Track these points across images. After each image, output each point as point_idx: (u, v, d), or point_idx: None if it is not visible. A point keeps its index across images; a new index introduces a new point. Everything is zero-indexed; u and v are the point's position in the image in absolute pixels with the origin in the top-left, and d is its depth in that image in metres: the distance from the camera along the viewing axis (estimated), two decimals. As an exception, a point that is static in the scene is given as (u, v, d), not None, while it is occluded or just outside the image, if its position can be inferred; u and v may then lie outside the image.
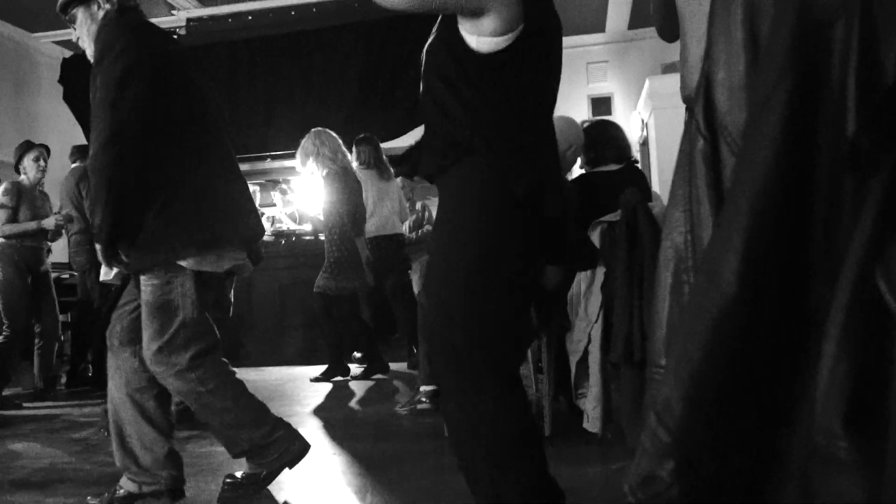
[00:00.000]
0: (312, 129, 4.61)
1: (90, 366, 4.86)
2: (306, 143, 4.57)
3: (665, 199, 2.46)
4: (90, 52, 2.12)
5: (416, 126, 6.84)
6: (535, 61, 1.52)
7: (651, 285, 2.29)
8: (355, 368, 4.98)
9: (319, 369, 4.77)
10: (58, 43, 7.45)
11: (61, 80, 7.26)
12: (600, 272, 2.50)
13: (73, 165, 4.81)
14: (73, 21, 2.20)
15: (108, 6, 2.14)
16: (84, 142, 4.76)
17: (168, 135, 2.03)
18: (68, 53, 7.38)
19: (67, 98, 7.21)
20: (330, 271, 4.47)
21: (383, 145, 7.56)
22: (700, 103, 0.92)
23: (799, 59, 0.62)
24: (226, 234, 2.09)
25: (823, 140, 0.61)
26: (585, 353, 2.54)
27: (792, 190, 0.62)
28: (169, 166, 2.02)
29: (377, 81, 6.62)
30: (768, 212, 0.62)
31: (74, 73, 7.22)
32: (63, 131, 7.05)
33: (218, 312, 3.21)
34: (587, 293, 2.55)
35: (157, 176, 2.00)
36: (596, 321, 2.49)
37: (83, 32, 2.16)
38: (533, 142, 1.48)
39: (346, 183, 4.49)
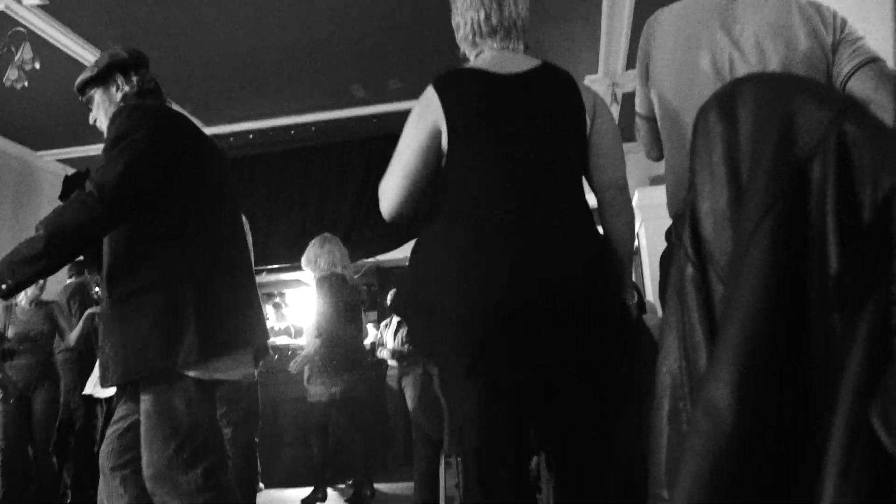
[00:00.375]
0: (318, 236, 4.68)
1: (69, 491, 4.69)
2: (308, 250, 4.63)
3: (659, 308, 2.48)
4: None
5: (404, 243, 6.96)
6: None
7: (649, 403, 2.27)
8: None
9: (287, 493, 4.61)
10: (61, 161, 7.65)
11: (62, 197, 7.40)
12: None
13: (68, 281, 4.85)
14: (90, 102, 2.14)
15: (126, 88, 2.06)
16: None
17: (179, 229, 1.87)
18: (71, 171, 7.57)
19: (68, 214, 7.34)
20: (319, 377, 4.39)
21: (380, 258, 7.64)
22: (687, 231, 0.94)
23: (779, 198, 0.65)
24: (245, 336, 1.89)
25: (810, 276, 0.63)
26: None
27: (782, 325, 0.64)
28: (175, 257, 1.84)
29: (372, 198, 6.79)
30: (760, 347, 0.63)
31: (75, 190, 7.37)
32: (62, 246, 7.12)
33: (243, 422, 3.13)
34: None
35: (160, 265, 1.81)
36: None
37: (100, 114, 2.11)
38: None
39: (337, 288, 4.49)
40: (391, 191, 1.83)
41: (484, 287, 1.55)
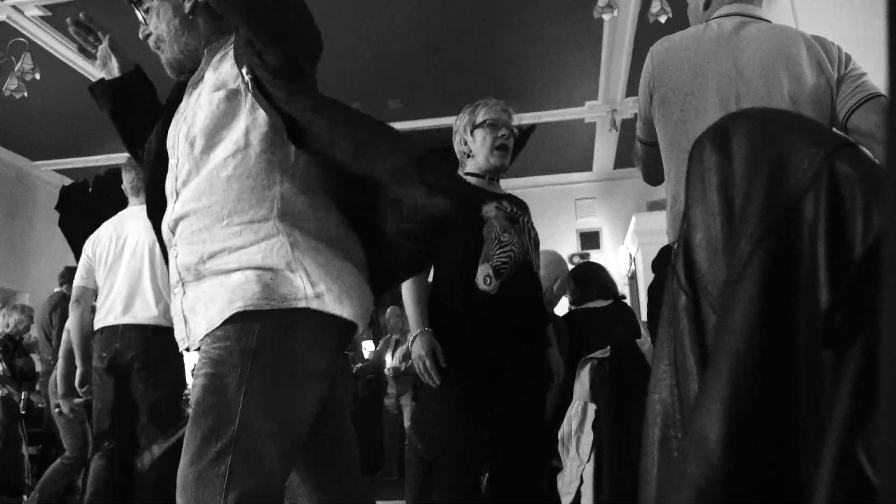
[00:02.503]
0: None
1: None
2: None
3: (648, 336, 2.49)
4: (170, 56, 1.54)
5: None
6: None
7: (641, 426, 2.27)
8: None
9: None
10: (58, 171, 7.66)
11: (58, 207, 7.41)
12: (591, 410, 2.48)
13: (55, 290, 4.83)
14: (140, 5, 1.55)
15: None
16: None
17: None
18: (68, 181, 7.59)
19: (63, 224, 7.34)
20: None
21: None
22: (680, 261, 0.95)
23: (770, 233, 0.66)
24: None
25: (800, 312, 0.64)
26: (578, 494, 2.47)
27: (771, 359, 0.64)
28: None
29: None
30: (748, 380, 0.64)
31: (71, 201, 7.38)
32: (54, 255, 7.11)
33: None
34: (578, 432, 2.51)
35: None
36: (588, 461, 2.44)
37: (162, 25, 1.51)
38: None
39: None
40: None
41: None
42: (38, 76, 4.60)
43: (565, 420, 2.61)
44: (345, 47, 5.30)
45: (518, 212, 2.38)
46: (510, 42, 5.31)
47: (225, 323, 1.25)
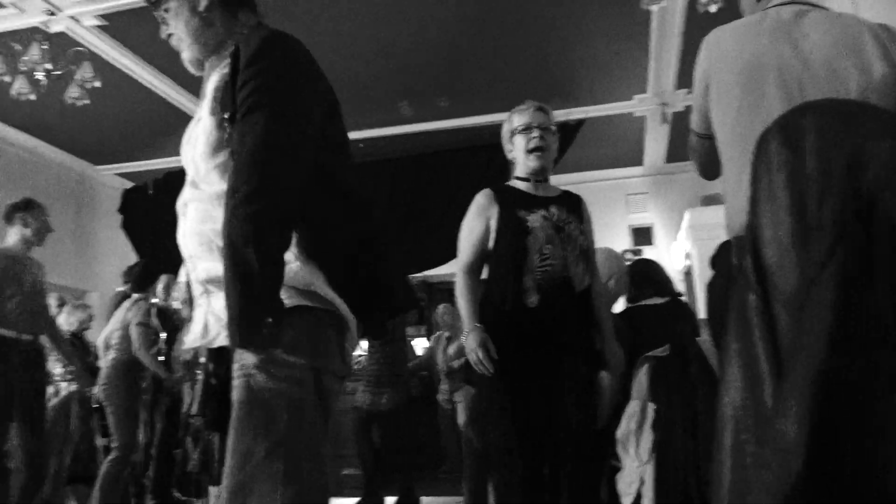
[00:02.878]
0: None
1: None
2: None
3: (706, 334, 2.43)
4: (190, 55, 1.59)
5: (453, 258, 6.99)
6: None
7: (704, 426, 2.23)
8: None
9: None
10: (119, 175, 7.89)
11: (121, 209, 7.67)
12: (650, 410, 2.44)
13: (118, 289, 4.97)
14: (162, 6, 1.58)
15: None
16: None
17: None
18: (129, 184, 7.83)
19: (126, 226, 7.59)
20: (366, 385, 4.36)
21: (427, 273, 7.70)
22: (748, 259, 0.93)
23: (847, 231, 0.64)
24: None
25: (881, 314, 0.61)
26: (638, 496, 2.43)
27: (850, 362, 0.62)
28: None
29: (421, 214, 6.86)
30: (830, 388, 0.62)
31: (133, 203, 7.64)
32: (119, 255, 7.35)
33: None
34: (637, 432, 2.47)
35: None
36: (647, 462, 2.40)
37: (179, 27, 1.56)
38: None
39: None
40: None
41: None
42: (97, 84, 4.74)
43: (623, 419, 2.57)
44: (393, 46, 5.32)
45: (567, 217, 2.39)
46: (557, 37, 5.25)
47: None
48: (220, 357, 1.38)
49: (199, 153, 1.44)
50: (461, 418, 6.54)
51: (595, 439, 2.41)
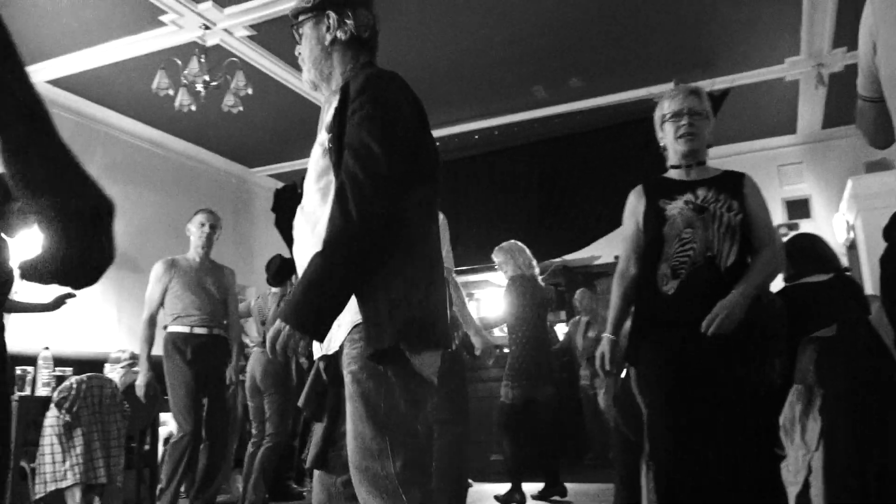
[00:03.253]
0: (502, 244, 4.74)
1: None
2: (494, 256, 4.71)
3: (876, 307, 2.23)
4: (307, 76, 1.81)
5: (591, 242, 6.85)
6: None
7: (878, 409, 2.06)
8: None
9: (498, 488, 4.66)
10: (272, 175, 8.40)
11: (274, 209, 8.16)
12: (818, 394, 2.29)
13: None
14: (298, 29, 1.82)
15: (338, 32, 1.75)
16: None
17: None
18: (280, 184, 8.32)
19: (278, 224, 8.07)
20: (511, 379, 4.39)
21: (566, 257, 7.63)
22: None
23: None
24: (446, 336, 1.70)
25: None
26: (806, 484, 2.29)
27: None
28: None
29: (557, 199, 6.78)
30: None
31: (283, 202, 8.10)
32: (275, 252, 7.82)
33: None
34: (802, 418, 2.33)
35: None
36: (816, 450, 2.26)
37: (304, 50, 1.80)
38: None
39: (526, 289, 4.50)
40: None
41: None
42: (250, 91, 5.05)
43: (787, 405, 2.43)
44: (522, 31, 5.29)
45: (716, 197, 2.27)
46: (695, 2, 5.00)
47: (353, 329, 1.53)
48: (332, 359, 1.61)
49: (308, 178, 1.66)
50: (603, 403, 6.45)
51: (756, 425, 2.28)
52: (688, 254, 2.25)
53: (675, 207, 2.32)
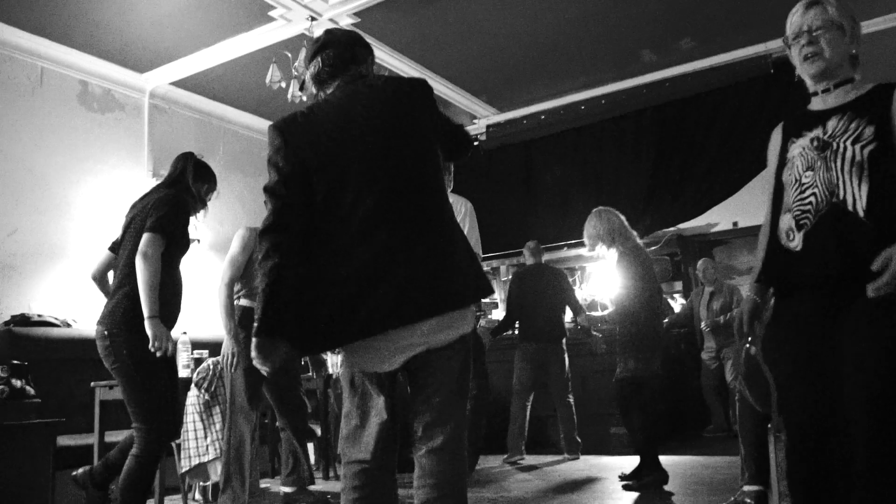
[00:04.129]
0: (593, 210, 4.59)
1: None
2: (588, 226, 4.53)
3: None
4: None
5: (707, 209, 6.55)
6: None
7: None
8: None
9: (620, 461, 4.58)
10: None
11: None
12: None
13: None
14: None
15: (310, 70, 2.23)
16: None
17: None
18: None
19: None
20: (635, 355, 4.22)
21: (680, 226, 7.36)
22: None
23: None
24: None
25: None
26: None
27: None
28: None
29: (669, 166, 6.54)
30: None
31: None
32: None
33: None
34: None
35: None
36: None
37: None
38: None
39: (640, 260, 4.35)
40: None
41: None
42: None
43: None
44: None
45: (846, 126, 1.94)
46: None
47: None
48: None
49: None
50: (729, 375, 6.21)
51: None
52: (809, 201, 1.94)
53: (798, 147, 2.02)
